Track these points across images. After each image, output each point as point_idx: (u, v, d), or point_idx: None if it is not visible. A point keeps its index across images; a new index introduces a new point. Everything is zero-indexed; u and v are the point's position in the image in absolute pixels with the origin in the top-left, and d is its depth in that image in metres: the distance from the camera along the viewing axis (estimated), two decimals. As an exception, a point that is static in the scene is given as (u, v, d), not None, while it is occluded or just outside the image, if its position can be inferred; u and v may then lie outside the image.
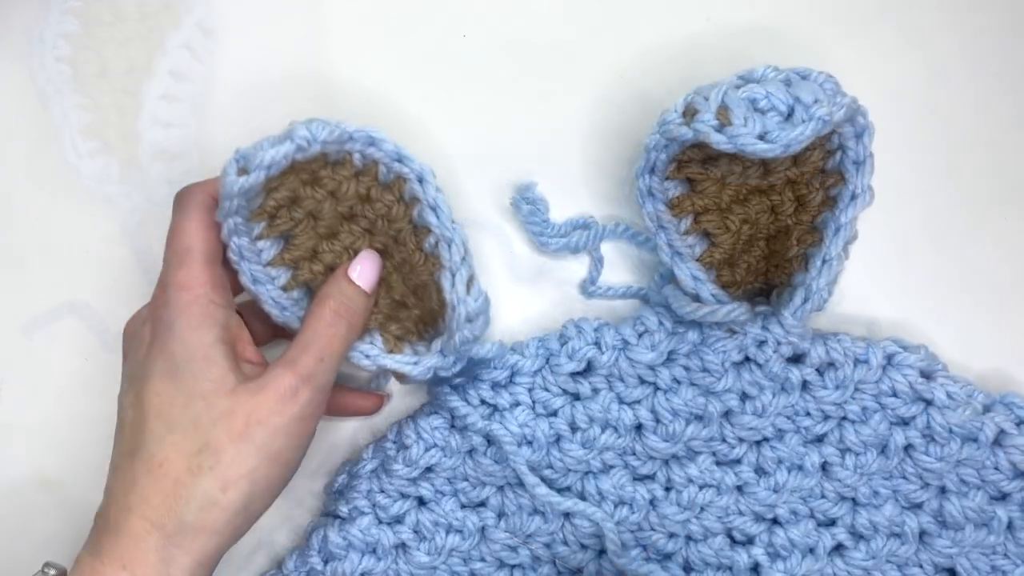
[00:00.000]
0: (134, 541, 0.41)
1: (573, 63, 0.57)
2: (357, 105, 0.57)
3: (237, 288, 0.48)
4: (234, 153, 0.43)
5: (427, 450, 0.51)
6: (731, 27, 0.57)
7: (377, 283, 0.49)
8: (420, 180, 0.47)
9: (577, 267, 0.56)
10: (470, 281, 0.48)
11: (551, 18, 0.58)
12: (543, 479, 0.51)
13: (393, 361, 0.48)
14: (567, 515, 0.52)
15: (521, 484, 0.52)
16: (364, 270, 0.48)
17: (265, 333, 0.50)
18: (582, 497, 0.52)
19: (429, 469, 0.51)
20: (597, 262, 0.55)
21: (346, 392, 0.53)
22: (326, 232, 0.49)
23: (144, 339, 0.45)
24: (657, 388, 0.51)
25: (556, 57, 0.57)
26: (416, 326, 0.51)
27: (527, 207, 0.54)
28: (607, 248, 0.56)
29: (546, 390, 0.51)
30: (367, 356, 0.48)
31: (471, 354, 0.49)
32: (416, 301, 0.51)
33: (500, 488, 0.52)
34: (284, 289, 0.47)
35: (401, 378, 0.50)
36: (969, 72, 0.57)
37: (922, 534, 0.52)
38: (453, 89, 0.57)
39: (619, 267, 0.56)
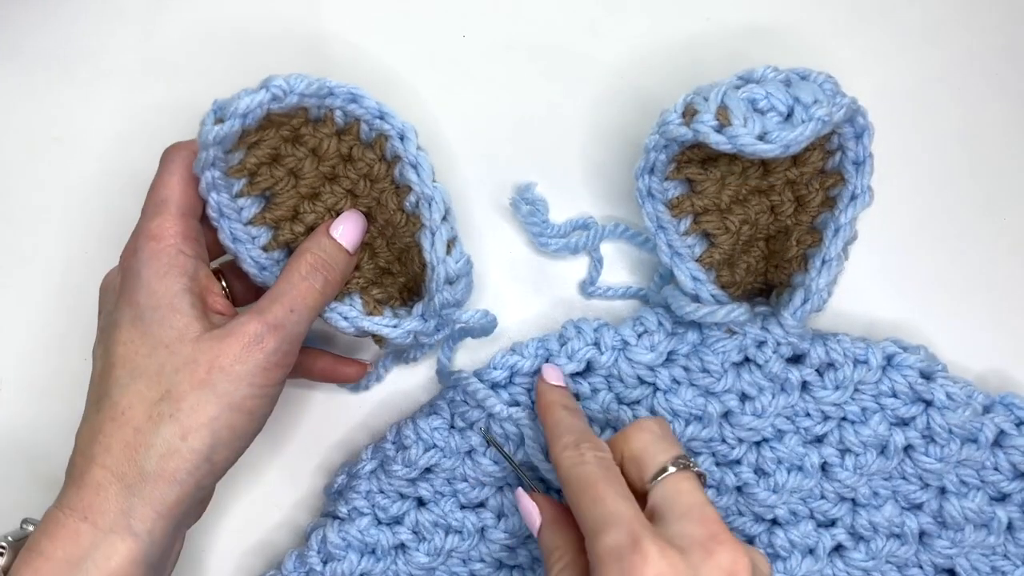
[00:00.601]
0: (95, 491, 0.41)
1: (573, 63, 0.57)
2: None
3: (220, 250, 0.48)
4: (212, 104, 0.43)
5: (426, 451, 0.51)
6: (731, 27, 0.57)
7: (359, 244, 0.48)
8: (402, 137, 0.47)
9: (576, 267, 0.56)
10: (451, 242, 0.47)
11: (551, 18, 0.58)
12: (542, 479, 0.51)
13: (372, 323, 0.48)
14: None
15: (521, 484, 0.52)
16: (347, 229, 0.47)
17: (246, 294, 0.49)
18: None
19: (428, 470, 0.51)
20: (596, 262, 0.55)
21: (329, 357, 0.52)
22: (308, 192, 0.48)
23: (115, 290, 0.45)
24: (656, 388, 0.51)
25: (556, 57, 0.57)
26: (400, 293, 0.51)
27: (526, 207, 0.54)
28: (606, 248, 0.56)
29: (545, 390, 0.51)
30: (345, 318, 0.48)
31: (455, 321, 0.49)
32: (401, 268, 0.51)
33: (499, 488, 0.52)
34: (264, 249, 0.47)
35: (380, 342, 0.49)
36: (969, 72, 0.57)
37: (922, 535, 0.52)
38: (453, 89, 0.57)
39: (619, 267, 0.56)
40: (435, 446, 0.51)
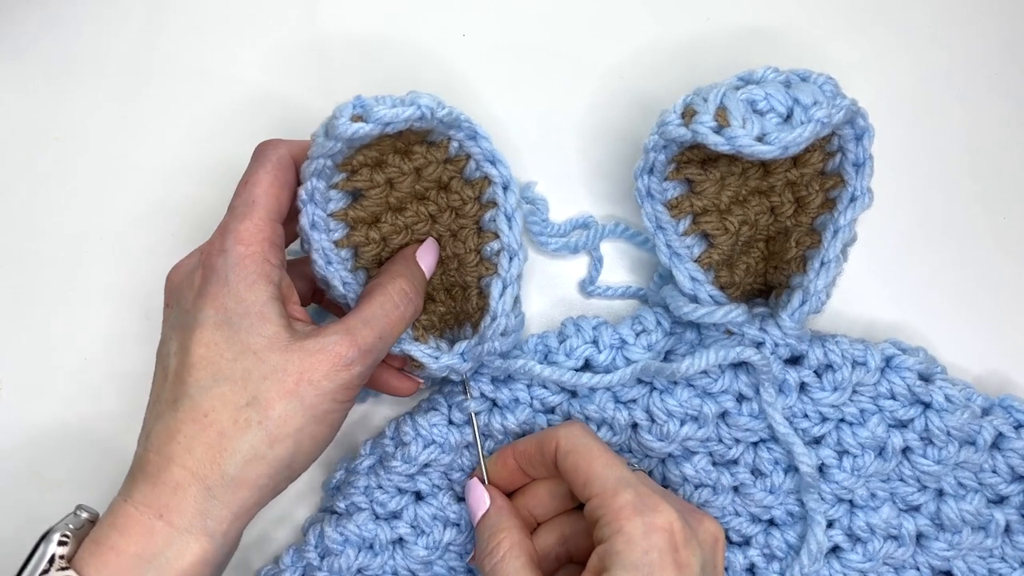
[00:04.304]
0: (172, 490, 0.40)
1: (573, 63, 0.57)
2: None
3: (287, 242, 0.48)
4: (353, 99, 0.42)
5: (426, 446, 0.51)
6: (731, 27, 0.57)
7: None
8: (505, 187, 0.48)
9: (576, 267, 0.56)
10: (516, 299, 0.49)
11: (551, 18, 0.58)
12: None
13: (417, 349, 0.48)
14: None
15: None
16: (429, 259, 0.49)
17: (303, 295, 0.50)
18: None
19: (426, 464, 0.51)
20: (596, 262, 0.55)
21: (386, 368, 0.52)
22: (395, 204, 0.49)
23: (193, 286, 0.44)
24: (653, 388, 0.51)
25: (556, 57, 0.57)
26: (439, 322, 0.51)
27: (527, 207, 0.54)
28: (606, 248, 0.56)
29: (544, 387, 0.51)
30: None
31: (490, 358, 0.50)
32: (445, 298, 0.52)
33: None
34: (336, 244, 0.47)
35: (418, 367, 0.50)
36: (968, 74, 0.57)
37: (919, 537, 0.52)
38: (453, 89, 0.57)
39: (618, 267, 0.56)
40: (434, 442, 0.51)
